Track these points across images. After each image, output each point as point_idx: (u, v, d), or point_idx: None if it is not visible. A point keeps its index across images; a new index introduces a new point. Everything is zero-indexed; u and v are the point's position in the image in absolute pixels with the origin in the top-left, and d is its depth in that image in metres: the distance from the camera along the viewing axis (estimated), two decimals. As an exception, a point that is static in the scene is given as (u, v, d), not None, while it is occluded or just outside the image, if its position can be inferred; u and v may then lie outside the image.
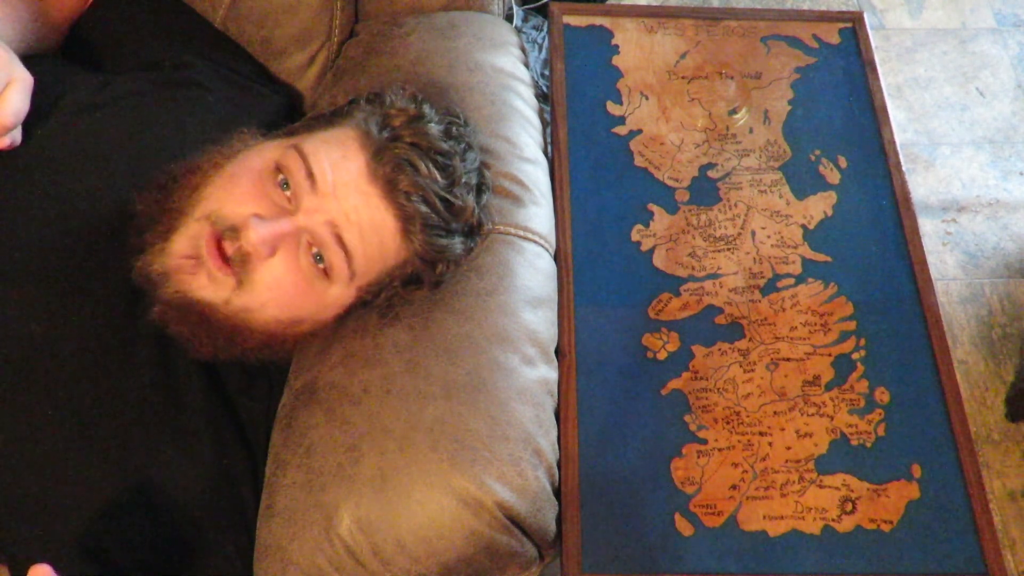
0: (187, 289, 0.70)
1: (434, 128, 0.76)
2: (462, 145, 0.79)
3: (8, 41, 0.78)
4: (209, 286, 0.70)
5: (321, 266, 0.71)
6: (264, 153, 0.73)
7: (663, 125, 1.03)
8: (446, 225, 0.75)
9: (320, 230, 0.70)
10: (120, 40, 0.94)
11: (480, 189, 0.81)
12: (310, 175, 0.70)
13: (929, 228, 1.65)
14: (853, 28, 1.12)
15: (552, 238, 0.91)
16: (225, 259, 0.69)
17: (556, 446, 0.78)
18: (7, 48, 0.70)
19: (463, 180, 0.76)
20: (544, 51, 1.51)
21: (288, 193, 0.71)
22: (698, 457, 0.82)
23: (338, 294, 0.74)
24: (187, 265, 0.70)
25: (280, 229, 0.69)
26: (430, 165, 0.73)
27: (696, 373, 0.87)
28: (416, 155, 0.73)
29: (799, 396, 0.86)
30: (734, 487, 0.81)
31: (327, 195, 0.70)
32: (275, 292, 0.71)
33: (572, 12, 1.12)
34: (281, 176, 0.71)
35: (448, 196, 0.74)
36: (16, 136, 0.72)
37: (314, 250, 0.71)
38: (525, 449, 0.73)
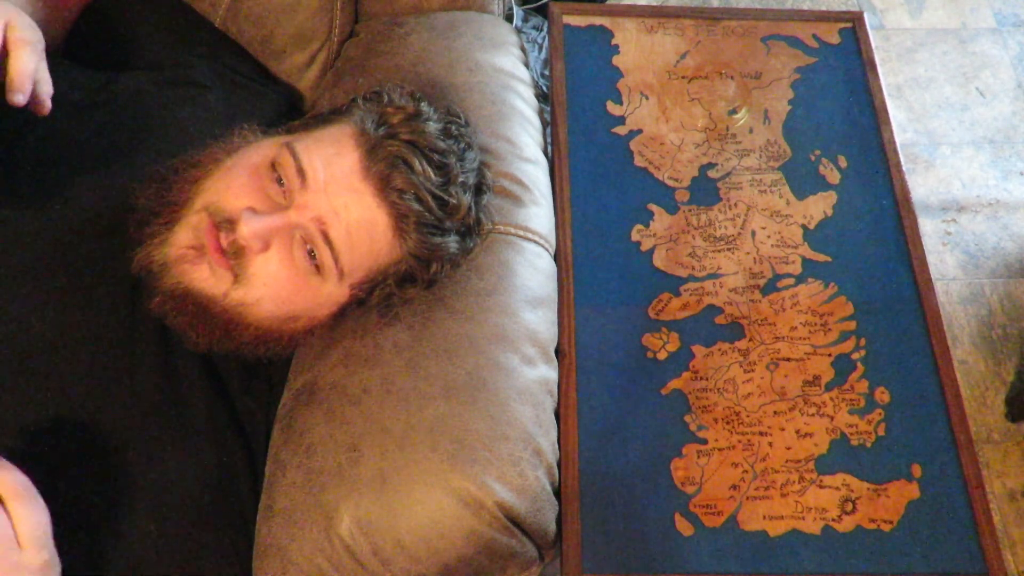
0: (188, 280, 0.70)
1: (431, 126, 0.76)
2: (461, 145, 0.79)
3: None
4: (210, 278, 0.70)
5: (315, 262, 0.71)
6: (262, 149, 0.74)
7: (663, 125, 1.03)
8: (440, 224, 0.75)
9: (309, 226, 0.70)
10: (121, 40, 0.94)
11: (479, 189, 0.81)
12: (300, 172, 0.70)
13: (929, 228, 1.65)
14: (853, 28, 1.12)
15: (552, 238, 0.91)
16: (222, 252, 0.69)
17: (556, 446, 0.78)
18: (15, 9, 0.68)
19: (459, 179, 0.76)
20: (544, 51, 1.51)
21: (284, 189, 0.71)
22: (698, 457, 0.82)
23: (331, 291, 0.74)
24: (190, 255, 0.70)
25: (272, 223, 0.69)
26: (424, 163, 0.73)
27: (696, 373, 0.87)
28: (411, 152, 0.73)
29: (799, 396, 0.86)
30: (734, 487, 0.81)
31: (318, 192, 0.70)
32: (271, 287, 0.71)
33: (572, 12, 1.12)
34: (277, 172, 0.71)
35: (442, 194, 0.74)
36: (40, 99, 0.68)
37: (308, 246, 0.71)
38: (525, 449, 0.73)
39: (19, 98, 0.65)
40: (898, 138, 1.03)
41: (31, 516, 0.56)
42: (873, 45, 1.11)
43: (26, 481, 0.57)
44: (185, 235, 0.70)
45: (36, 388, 0.70)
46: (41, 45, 0.69)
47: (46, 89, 0.68)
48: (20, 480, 0.57)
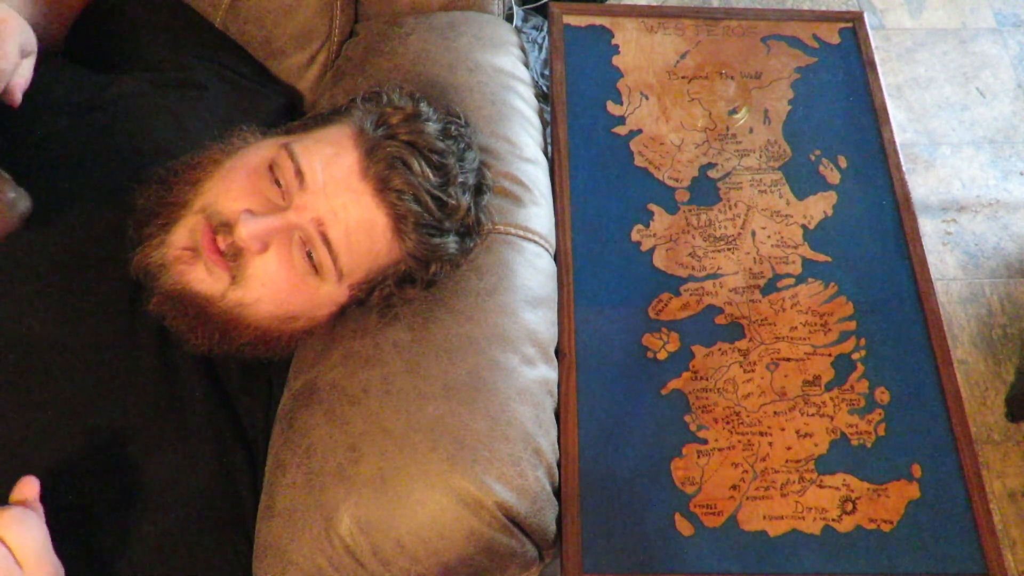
0: (185, 281, 0.70)
1: (431, 127, 0.76)
2: (461, 145, 0.79)
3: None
4: (207, 279, 0.70)
5: (313, 263, 0.71)
6: (260, 151, 0.74)
7: (663, 125, 1.03)
8: (439, 224, 0.75)
9: (308, 227, 0.70)
10: (121, 41, 0.94)
11: (479, 189, 0.81)
12: (299, 173, 0.70)
13: (929, 228, 1.65)
14: (853, 28, 1.12)
15: (552, 238, 0.91)
16: (220, 253, 0.69)
17: (556, 446, 0.78)
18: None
19: (459, 179, 0.76)
20: (544, 51, 1.51)
21: (282, 190, 0.71)
22: (698, 457, 0.82)
23: (330, 291, 0.74)
24: (186, 256, 0.70)
25: (270, 225, 0.69)
26: (423, 163, 0.73)
27: (696, 373, 0.87)
28: (410, 153, 0.73)
29: (799, 396, 0.86)
30: (734, 487, 0.81)
31: (317, 192, 0.70)
32: (269, 287, 0.71)
33: (572, 12, 1.12)
34: (275, 174, 0.71)
35: (441, 195, 0.74)
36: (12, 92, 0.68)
37: (307, 247, 0.71)
38: (525, 449, 0.73)
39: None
40: (898, 138, 1.03)
41: (26, 536, 0.56)
42: (873, 45, 1.11)
43: (13, 506, 0.58)
44: (181, 236, 0.70)
45: (36, 389, 0.70)
46: (32, 47, 0.69)
47: (19, 82, 0.68)
48: (7, 507, 0.57)
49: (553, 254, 0.91)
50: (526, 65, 1.05)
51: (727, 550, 0.78)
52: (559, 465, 0.79)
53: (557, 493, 0.77)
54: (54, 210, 0.74)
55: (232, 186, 0.71)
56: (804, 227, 0.96)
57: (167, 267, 0.70)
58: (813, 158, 1.01)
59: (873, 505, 0.80)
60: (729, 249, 0.95)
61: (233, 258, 0.69)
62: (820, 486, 0.81)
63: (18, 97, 0.69)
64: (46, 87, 0.82)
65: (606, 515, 0.79)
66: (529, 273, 0.84)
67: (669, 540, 0.78)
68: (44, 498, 0.64)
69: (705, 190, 0.99)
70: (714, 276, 0.93)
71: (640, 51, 1.09)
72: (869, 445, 0.83)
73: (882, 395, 0.86)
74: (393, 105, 0.77)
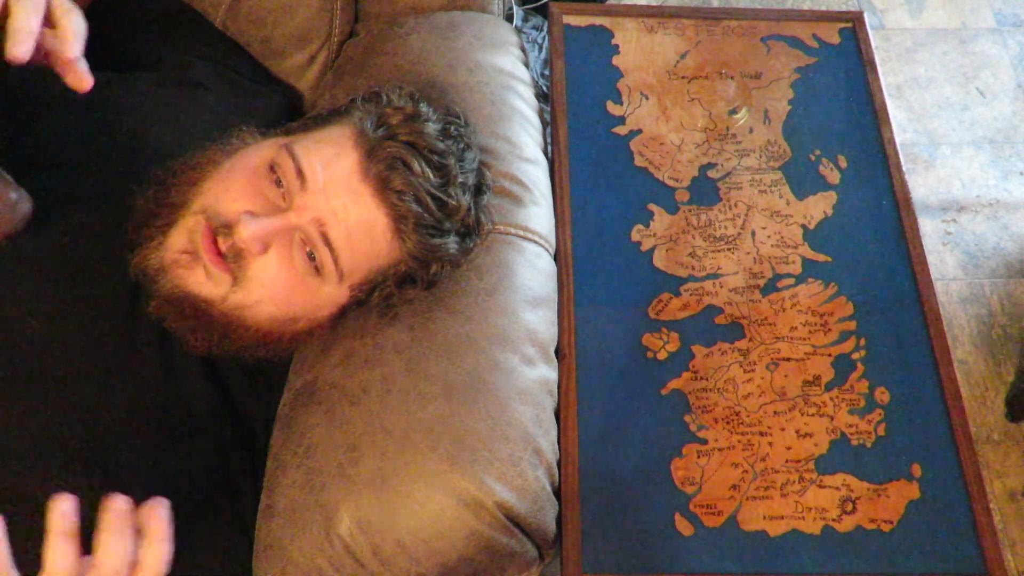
0: (184, 284, 0.70)
1: (431, 127, 0.76)
2: (460, 145, 0.79)
3: None
4: (207, 282, 0.70)
5: (314, 264, 0.71)
6: (260, 151, 0.73)
7: (663, 125, 1.03)
8: (439, 225, 0.75)
9: (308, 227, 0.70)
10: (121, 40, 0.94)
11: (479, 189, 0.81)
12: (300, 174, 0.70)
13: (929, 228, 1.65)
14: (853, 28, 1.12)
15: (552, 238, 0.91)
16: (220, 255, 0.69)
17: (556, 446, 0.78)
18: None
19: (459, 180, 0.76)
20: (544, 51, 1.51)
21: (282, 191, 0.71)
22: (698, 457, 0.82)
23: (330, 292, 0.74)
24: (184, 260, 0.70)
25: (270, 226, 0.69)
26: (423, 164, 0.73)
27: (696, 373, 0.87)
28: (410, 153, 0.73)
29: (799, 396, 0.86)
30: (734, 487, 0.81)
31: (317, 193, 0.70)
32: (270, 289, 0.71)
33: (572, 12, 1.12)
34: (275, 174, 0.71)
35: (441, 195, 0.74)
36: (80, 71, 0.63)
37: (308, 248, 0.71)
38: (525, 449, 0.73)
39: (16, 51, 0.58)
40: (898, 138, 1.03)
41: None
42: (873, 45, 1.11)
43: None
44: (179, 239, 0.70)
45: (36, 389, 0.70)
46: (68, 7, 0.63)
47: (82, 67, 0.63)
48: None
49: (553, 254, 0.91)
50: (526, 65, 1.05)
51: (727, 550, 0.78)
52: (559, 465, 0.79)
53: (557, 493, 0.77)
54: (54, 210, 0.74)
55: (232, 187, 0.71)
56: (804, 227, 0.96)
57: (165, 270, 0.70)
58: (813, 158, 1.01)
59: (873, 505, 0.80)
60: (729, 249, 0.95)
61: (234, 260, 0.69)
62: (820, 486, 0.81)
63: (89, 78, 0.63)
64: (45, 86, 0.82)
65: (606, 515, 0.79)
66: (529, 273, 0.84)
67: (669, 540, 0.78)
68: (44, 498, 0.64)
69: (705, 190, 0.99)
70: (714, 276, 0.93)
71: (640, 51, 1.09)
72: (869, 445, 0.83)
73: (882, 395, 0.86)
74: (393, 105, 0.77)
